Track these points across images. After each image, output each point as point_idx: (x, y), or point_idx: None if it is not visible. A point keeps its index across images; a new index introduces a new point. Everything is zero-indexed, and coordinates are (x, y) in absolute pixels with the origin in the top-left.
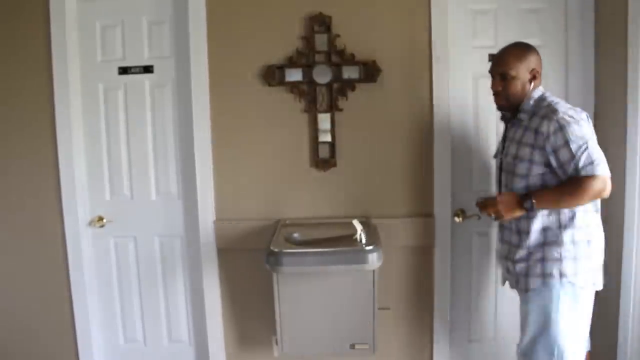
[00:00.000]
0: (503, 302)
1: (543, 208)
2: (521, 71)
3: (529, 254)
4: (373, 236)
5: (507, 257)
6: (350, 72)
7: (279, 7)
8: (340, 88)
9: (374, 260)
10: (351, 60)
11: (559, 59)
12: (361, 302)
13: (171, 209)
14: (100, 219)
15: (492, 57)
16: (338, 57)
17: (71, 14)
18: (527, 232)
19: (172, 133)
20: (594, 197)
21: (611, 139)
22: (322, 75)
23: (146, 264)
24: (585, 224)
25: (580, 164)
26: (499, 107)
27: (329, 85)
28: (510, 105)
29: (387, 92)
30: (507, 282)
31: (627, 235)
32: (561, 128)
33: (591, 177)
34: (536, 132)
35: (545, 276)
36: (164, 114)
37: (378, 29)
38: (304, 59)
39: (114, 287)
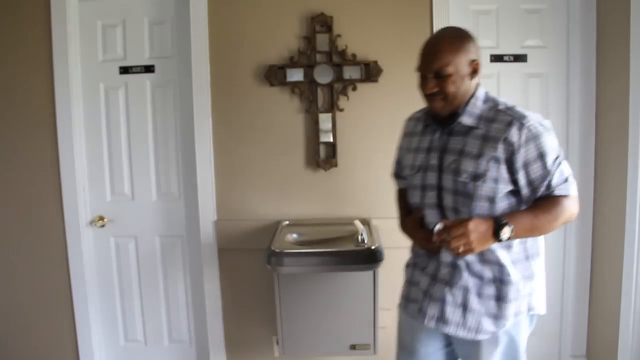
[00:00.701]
0: None
1: (517, 237)
2: (460, 65)
3: (501, 291)
4: (374, 236)
5: (479, 294)
6: (351, 72)
7: (280, 7)
8: (342, 88)
9: (375, 260)
10: (352, 60)
11: (560, 60)
12: (362, 303)
13: (172, 208)
14: (101, 218)
15: (422, 52)
16: (339, 57)
17: (72, 13)
18: (500, 264)
19: (173, 133)
20: (567, 221)
21: (613, 141)
22: (324, 75)
23: (147, 264)
24: (543, 248)
25: (554, 181)
26: (436, 112)
27: (330, 85)
28: (450, 109)
29: (389, 92)
30: (431, 322)
31: (628, 236)
32: (534, 137)
33: (566, 197)
34: (504, 141)
35: (517, 314)
36: (165, 113)
37: (379, 29)
38: (305, 59)
39: (115, 287)
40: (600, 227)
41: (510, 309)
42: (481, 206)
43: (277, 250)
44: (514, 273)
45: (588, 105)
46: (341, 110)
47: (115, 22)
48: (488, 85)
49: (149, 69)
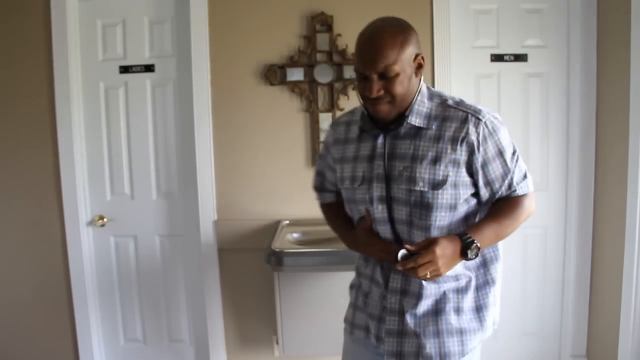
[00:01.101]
0: (500, 298)
1: (482, 248)
2: (406, 62)
3: (460, 302)
4: None
5: (437, 311)
6: (351, 72)
7: (280, 6)
8: (342, 87)
9: None
10: (353, 60)
11: (560, 60)
12: None
13: (172, 208)
14: (101, 218)
15: (360, 49)
16: (339, 57)
17: (72, 12)
18: (455, 275)
19: (173, 132)
20: (525, 220)
21: (614, 141)
22: (324, 75)
23: (146, 264)
24: (502, 251)
25: (515, 179)
26: (381, 118)
27: (330, 85)
28: (397, 112)
29: None
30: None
31: (628, 236)
32: (491, 133)
33: (527, 195)
34: (462, 140)
35: (484, 331)
36: (165, 113)
37: None
38: (305, 58)
39: (115, 287)
40: (601, 227)
41: (474, 321)
42: (441, 216)
43: (277, 250)
44: (472, 280)
45: (588, 104)
46: (341, 109)
47: (115, 21)
48: (488, 85)
49: (149, 68)
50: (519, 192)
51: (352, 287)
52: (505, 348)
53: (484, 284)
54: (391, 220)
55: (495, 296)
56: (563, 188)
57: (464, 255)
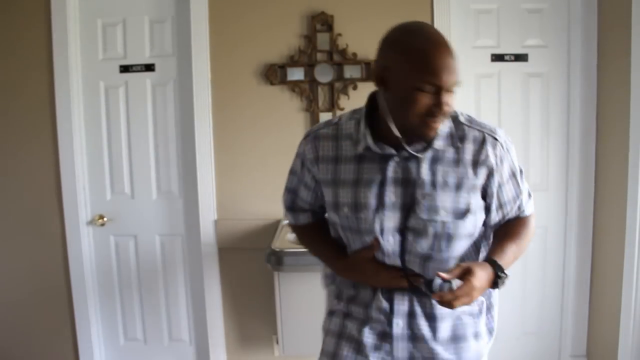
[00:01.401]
0: (501, 298)
1: None
2: None
3: (477, 327)
4: None
5: (456, 337)
6: (352, 71)
7: (281, 6)
8: (342, 87)
9: None
10: (353, 60)
11: (561, 59)
12: None
13: (172, 208)
14: (101, 217)
15: (438, 59)
16: (340, 56)
17: (72, 11)
18: None
19: (173, 132)
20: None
21: (614, 141)
22: (324, 75)
23: (147, 263)
24: None
25: (524, 199)
26: (429, 138)
27: (330, 85)
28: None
29: None
30: None
31: (628, 237)
32: (506, 154)
33: (532, 215)
34: (482, 164)
35: (485, 344)
36: (165, 112)
37: (380, 28)
38: (305, 57)
39: (115, 286)
40: (601, 227)
41: (483, 339)
42: (460, 246)
43: (277, 250)
44: (484, 303)
45: (589, 104)
46: (342, 109)
47: (116, 20)
48: (488, 84)
49: (149, 67)
50: (527, 212)
51: (332, 314)
52: (505, 348)
53: (490, 306)
54: (403, 250)
55: (495, 317)
56: (563, 188)
57: (494, 284)
